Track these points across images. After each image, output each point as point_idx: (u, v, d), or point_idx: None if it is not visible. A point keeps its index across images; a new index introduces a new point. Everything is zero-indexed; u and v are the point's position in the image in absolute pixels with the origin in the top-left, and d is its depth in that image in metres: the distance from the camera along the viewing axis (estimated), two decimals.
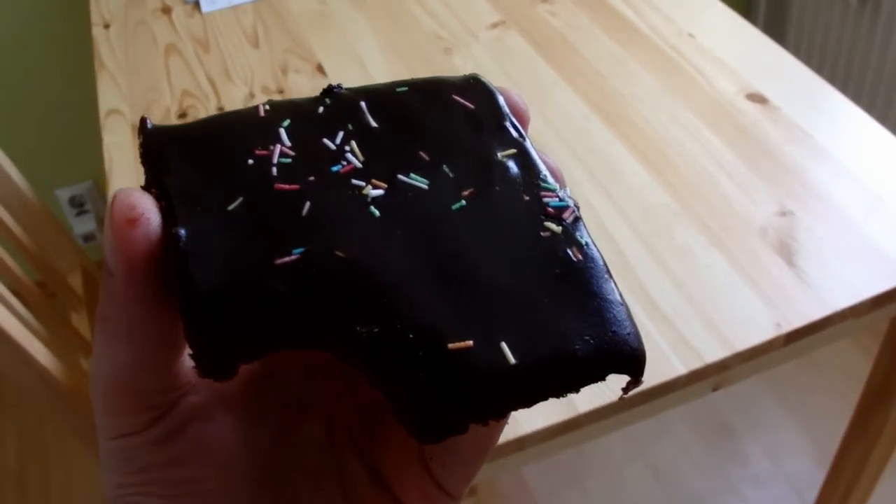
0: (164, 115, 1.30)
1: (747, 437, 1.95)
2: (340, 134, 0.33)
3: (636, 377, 0.31)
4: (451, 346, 0.28)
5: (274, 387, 0.35)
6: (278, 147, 0.31)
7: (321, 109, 0.33)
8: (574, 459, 1.93)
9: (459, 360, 0.28)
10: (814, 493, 1.55)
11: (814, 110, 1.21)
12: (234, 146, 0.31)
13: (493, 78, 1.21)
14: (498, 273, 0.30)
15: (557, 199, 0.33)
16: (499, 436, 0.35)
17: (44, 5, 2.02)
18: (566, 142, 1.18)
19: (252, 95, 1.32)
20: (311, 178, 0.31)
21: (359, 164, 0.32)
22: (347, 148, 0.32)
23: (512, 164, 0.33)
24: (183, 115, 1.30)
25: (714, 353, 0.90)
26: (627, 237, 1.03)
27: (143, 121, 0.32)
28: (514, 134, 0.35)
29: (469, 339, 0.28)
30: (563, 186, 0.34)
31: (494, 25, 1.43)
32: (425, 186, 0.32)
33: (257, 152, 0.31)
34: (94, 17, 1.57)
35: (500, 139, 0.34)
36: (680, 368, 0.89)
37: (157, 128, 0.32)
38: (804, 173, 1.11)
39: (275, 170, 0.31)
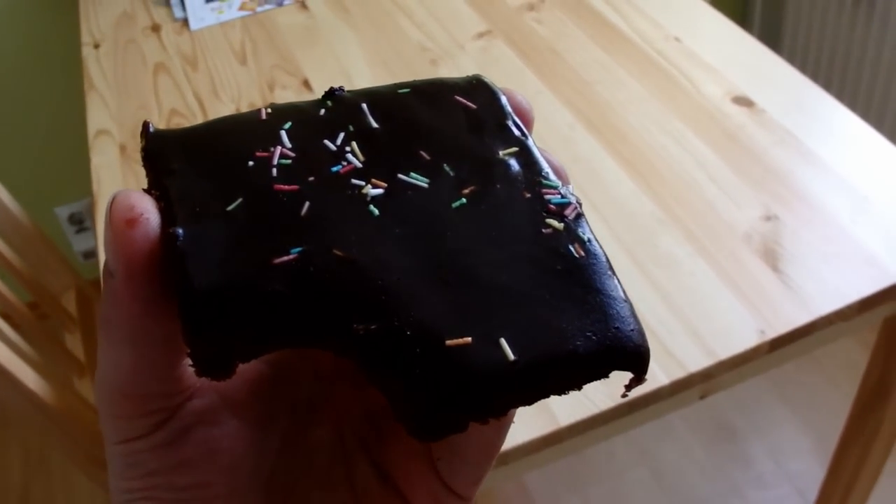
0: None
1: (750, 438, 1.94)
2: (341, 135, 0.33)
3: (639, 374, 0.30)
4: (449, 342, 0.28)
5: (281, 392, 0.35)
6: (278, 149, 0.31)
7: (322, 112, 0.34)
8: (575, 465, 1.93)
9: (457, 357, 0.28)
10: (816, 493, 1.54)
11: (800, 112, 1.20)
12: (235, 148, 0.31)
13: None
14: (498, 270, 0.30)
15: (559, 195, 0.32)
16: (504, 436, 0.35)
17: (39, 24, 2.03)
18: (550, 151, 1.17)
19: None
20: (311, 179, 0.31)
21: (359, 165, 0.32)
22: (348, 149, 0.32)
23: (513, 162, 0.33)
24: None
25: (697, 362, 0.90)
26: (611, 246, 1.03)
27: (145, 125, 0.32)
28: (517, 133, 0.34)
29: (467, 336, 0.28)
30: (566, 184, 0.33)
31: (481, 35, 1.43)
32: (425, 185, 0.32)
33: (258, 154, 0.31)
34: (85, 37, 1.57)
35: (502, 138, 0.34)
36: (662, 379, 0.88)
37: (159, 131, 0.32)
38: (790, 176, 1.10)
39: (275, 171, 0.31)
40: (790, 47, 2.35)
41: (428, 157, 0.33)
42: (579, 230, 0.32)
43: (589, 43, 1.38)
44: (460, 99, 0.35)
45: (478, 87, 0.36)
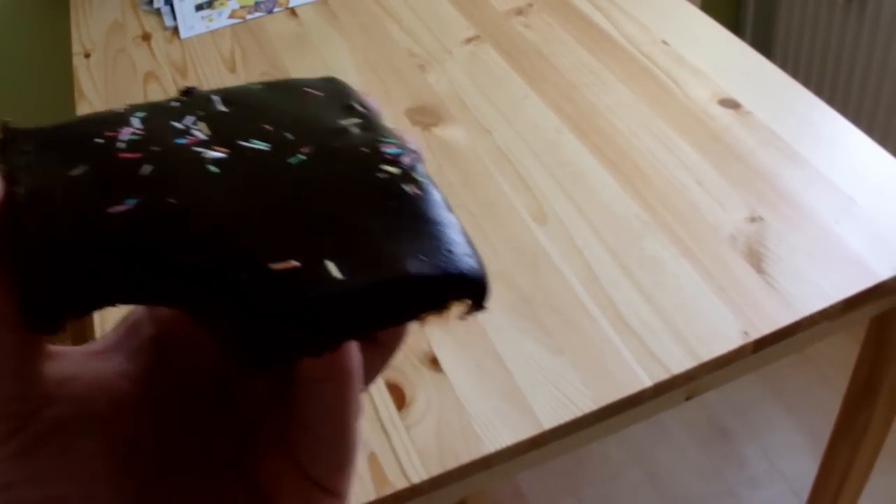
0: None
1: (744, 438, 1.95)
2: (190, 119, 0.34)
3: (478, 300, 0.30)
4: (273, 266, 0.28)
5: (146, 412, 0.33)
6: (128, 128, 0.32)
7: (177, 104, 0.35)
8: (570, 467, 1.93)
9: (283, 279, 0.28)
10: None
11: (786, 113, 1.21)
12: (87, 131, 0.32)
13: (466, 93, 1.22)
14: (329, 208, 0.30)
15: (396, 148, 0.33)
16: (356, 411, 0.33)
17: (29, 34, 2.04)
18: (536, 155, 1.18)
19: None
20: (155, 149, 0.32)
21: (203, 138, 0.33)
22: (195, 127, 0.33)
23: (354, 128, 0.34)
24: None
25: (681, 363, 0.90)
26: (596, 250, 1.04)
27: (3, 123, 0.33)
28: (361, 109, 0.35)
29: (294, 261, 0.28)
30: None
31: (469, 40, 1.44)
32: (266, 148, 0.33)
33: (107, 133, 0.32)
34: (76, 47, 1.58)
35: (346, 114, 0.35)
36: (646, 381, 0.89)
37: (17, 126, 0.33)
38: (775, 178, 1.11)
39: (122, 144, 0.32)
40: (782, 53, 2.36)
41: (271, 129, 0.34)
42: (415, 174, 0.32)
43: (576, 47, 1.39)
44: (309, 89, 0.37)
45: (329, 82, 0.38)
